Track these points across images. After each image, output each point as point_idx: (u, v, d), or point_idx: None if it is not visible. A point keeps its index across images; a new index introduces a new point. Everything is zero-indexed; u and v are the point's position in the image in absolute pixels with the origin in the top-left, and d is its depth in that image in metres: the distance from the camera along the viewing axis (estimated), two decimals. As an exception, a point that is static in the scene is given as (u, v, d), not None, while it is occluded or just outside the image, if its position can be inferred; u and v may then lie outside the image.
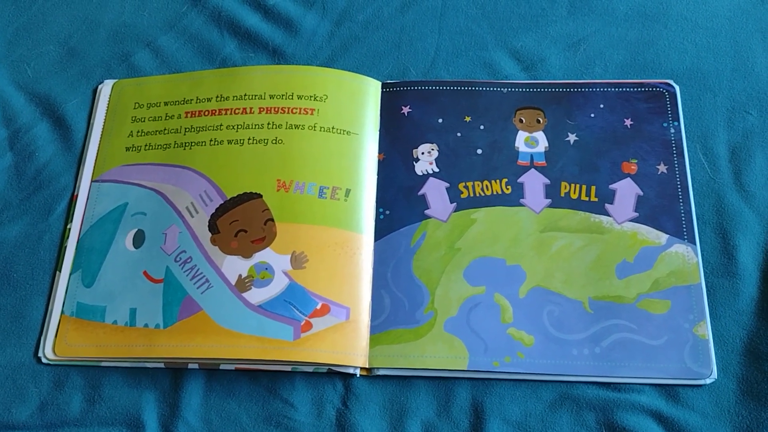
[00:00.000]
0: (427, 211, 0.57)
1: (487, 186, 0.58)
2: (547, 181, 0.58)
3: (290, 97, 0.61)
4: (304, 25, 0.67)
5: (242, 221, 0.56)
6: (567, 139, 0.59)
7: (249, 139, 0.59)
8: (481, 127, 0.60)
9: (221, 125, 0.60)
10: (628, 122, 0.59)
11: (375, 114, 0.61)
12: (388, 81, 0.63)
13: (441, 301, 0.54)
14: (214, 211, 0.57)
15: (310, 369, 0.53)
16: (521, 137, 0.60)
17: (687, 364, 0.51)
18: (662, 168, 0.58)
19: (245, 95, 0.61)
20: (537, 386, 0.52)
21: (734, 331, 0.53)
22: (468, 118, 0.61)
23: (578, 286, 0.54)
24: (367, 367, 0.53)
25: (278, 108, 0.60)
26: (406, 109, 0.61)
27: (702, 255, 0.55)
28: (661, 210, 0.56)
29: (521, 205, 0.57)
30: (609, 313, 0.53)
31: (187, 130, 0.61)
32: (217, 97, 0.62)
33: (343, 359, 0.52)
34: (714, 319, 0.53)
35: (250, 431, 0.52)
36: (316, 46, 0.66)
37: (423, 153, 0.59)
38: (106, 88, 0.65)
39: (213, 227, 0.56)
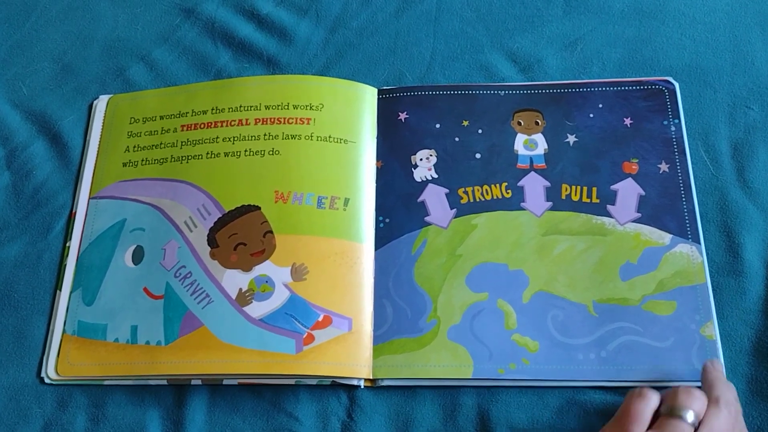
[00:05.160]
0: (427, 218, 0.57)
1: (486, 190, 0.57)
2: (548, 183, 0.57)
3: (286, 107, 0.60)
4: (299, 33, 0.67)
5: (241, 234, 0.56)
6: (566, 140, 0.59)
7: (246, 150, 0.59)
8: (479, 130, 0.60)
9: (217, 138, 0.60)
10: (627, 121, 0.59)
11: (372, 121, 0.61)
12: (384, 87, 0.62)
13: (444, 309, 0.53)
14: (212, 224, 0.57)
15: (313, 382, 0.52)
16: (520, 140, 0.59)
17: (695, 365, 0.50)
18: (664, 167, 0.57)
19: (241, 107, 0.61)
20: (543, 392, 0.52)
21: (742, 330, 0.52)
22: (466, 123, 0.60)
23: (582, 289, 0.53)
24: (371, 378, 0.52)
25: (274, 118, 0.60)
26: (403, 115, 0.61)
27: (707, 254, 0.54)
28: (663, 209, 0.55)
29: (522, 208, 0.56)
30: (614, 315, 0.52)
31: (183, 143, 0.61)
32: (213, 109, 0.62)
33: (347, 371, 0.52)
34: (721, 319, 0.52)
35: (255, 446, 0.52)
36: (311, 54, 0.66)
37: (421, 159, 0.59)
38: (101, 103, 0.64)
39: (212, 241, 0.56)
